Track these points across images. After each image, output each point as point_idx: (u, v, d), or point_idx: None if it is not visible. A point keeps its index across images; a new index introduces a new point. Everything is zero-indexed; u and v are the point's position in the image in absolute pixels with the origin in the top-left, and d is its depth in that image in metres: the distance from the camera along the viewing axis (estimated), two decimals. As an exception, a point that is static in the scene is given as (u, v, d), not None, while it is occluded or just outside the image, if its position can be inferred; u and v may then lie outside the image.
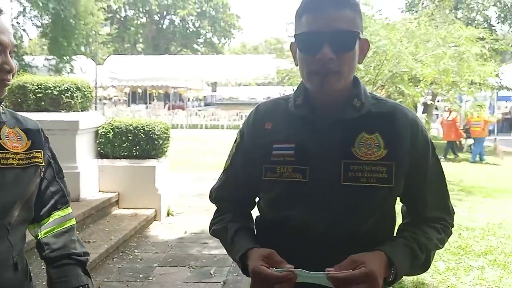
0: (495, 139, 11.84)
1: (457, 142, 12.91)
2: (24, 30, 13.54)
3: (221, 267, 4.03)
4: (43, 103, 4.88)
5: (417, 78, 6.53)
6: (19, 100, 4.90)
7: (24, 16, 13.39)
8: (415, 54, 6.21)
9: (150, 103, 26.20)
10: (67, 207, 1.34)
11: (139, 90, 26.91)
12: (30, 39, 14.29)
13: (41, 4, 13.02)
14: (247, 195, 1.26)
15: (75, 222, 1.37)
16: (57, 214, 1.31)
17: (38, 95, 4.87)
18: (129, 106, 24.51)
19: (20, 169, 1.18)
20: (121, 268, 4.04)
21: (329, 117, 1.12)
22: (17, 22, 13.36)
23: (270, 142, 1.15)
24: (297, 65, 1.17)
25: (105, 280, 3.79)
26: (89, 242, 4.30)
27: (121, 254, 4.37)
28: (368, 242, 1.09)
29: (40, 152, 1.26)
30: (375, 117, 1.13)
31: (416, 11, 12.13)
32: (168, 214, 5.65)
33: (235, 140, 1.26)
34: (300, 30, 1.09)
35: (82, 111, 5.13)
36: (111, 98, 27.19)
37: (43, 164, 1.27)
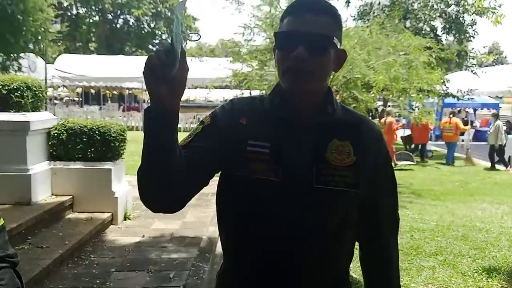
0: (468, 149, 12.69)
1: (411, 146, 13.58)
2: (-34, 25, 12.75)
3: (181, 271, 4.01)
4: (-9, 102, 4.66)
5: (370, 85, 6.78)
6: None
7: (-33, 10, 12.63)
8: (368, 61, 6.44)
9: (104, 104, 25.44)
10: None
11: (92, 91, 26.08)
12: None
13: (-14, -2, 12.31)
14: (192, 177, 1.11)
15: (4, 222, 1.34)
16: None
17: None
18: (81, 107, 23.70)
19: None
20: (76, 274, 3.93)
21: (304, 121, 1.17)
22: (-41, 17, 12.59)
23: (245, 138, 1.16)
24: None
25: (60, 286, 3.68)
26: (41, 247, 4.15)
27: (76, 259, 4.24)
28: (333, 240, 1.17)
29: None
30: (345, 126, 1.20)
31: (368, 20, 12.57)
32: (125, 218, 5.54)
33: (202, 122, 1.22)
34: (282, 29, 1.16)
35: (33, 111, 4.93)
36: (62, 99, 26.17)
37: None
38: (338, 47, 1.17)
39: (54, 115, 5.67)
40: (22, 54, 15.05)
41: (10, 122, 4.57)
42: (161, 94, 0.96)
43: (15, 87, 4.76)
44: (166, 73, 0.93)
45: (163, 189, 1.07)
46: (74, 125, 5.09)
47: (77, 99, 25.68)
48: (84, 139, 5.08)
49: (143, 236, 4.99)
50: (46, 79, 16.27)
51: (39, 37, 16.87)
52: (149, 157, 1.04)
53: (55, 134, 5.07)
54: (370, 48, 6.53)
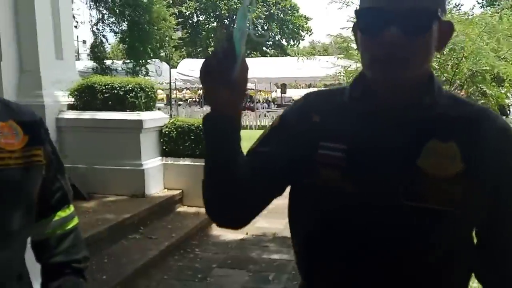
0: None
1: None
2: (103, 36, 14.32)
3: (281, 273, 3.89)
4: (110, 102, 5.08)
5: (501, 77, 5.98)
6: (88, 99, 5.13)
7: (103, 23, 14.19)
8: (498, 50, 5.67)
9: (221, 104, 26.65)
10: (68, 207, 1.22)
11: (211, 92, 27.52)
12: (109, 44, 15.08)
13: (118, 11, 13.71)
14: (257, 189, 0.96)
15: (77, 222, 1.25)
16: (58, 215, 1.19)
17: (105, 95, 5.07)
18: (202, 107, 25.23)
19: (19, 170, 1.02)
20: (180, 266, 4.06)
21: (392, 116, 0.90)
22: (96, 29, 14.19)
23: (316, 138, 0.94)
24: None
25: (165, 277, 3.82)
26: (151, 238, 4.37)
27: (182, 252, 4.39)
28: (429, 273, 0.88)
29: (40, 149, 1.08)
30: (452, 122, 0.90)
31: (499, 5, 11.15)
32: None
33: (271, 124, 1.05)
34: (363, 6, 0.90)
35: (146, 110, 5.26)
36: (187, 100, 28.14)
37: (44, 162, 1.09)
38: (443, 19, 0.89)
39: (177, 114, 6.03)
40: (149, 60, 16.53)
41: (126, 121, 4.93)
42: (221, 101, 0.85)
43: (130, 88, 5.13)
44: (225, 76, 0.82)
45: (224, 203, 0.95)
46: (183, 123, 5.31)
47: (197, 100, 27.33)
48: (192, 137, 5.27)
49: (246, 233, 4.99)
50: (170, 82, 17.60)
51: (164, 44, 18.40)
52: (209, 167, 0.92)
53: (166, 132, 5.34)
54: (500, 35, 5.73)
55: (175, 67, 22.54)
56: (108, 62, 16.13)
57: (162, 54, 18.18)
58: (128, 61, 15.87)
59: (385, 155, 0.88)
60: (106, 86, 5.11)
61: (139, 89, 5.16)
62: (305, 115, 0.99)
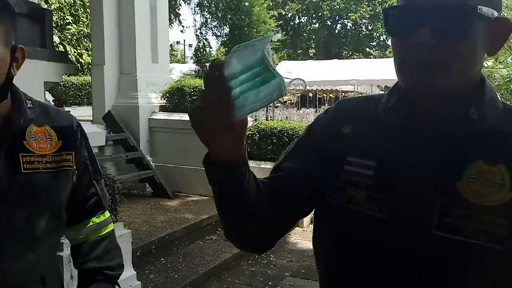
0: None
1: None
2: (206, 39, 15.06)
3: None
4: (198, 104, 5.24)
5: None
6: (177, 101, 5.35)
7: (206, 27, 14.90)
8: None
9: (320, 107, 26.47)
10: (103, 213, 1.23)
11: (310, 94, 27.46)
12: (211, 48, 15.81)
13: (220, 15, 14.30)
14: (280, 210, 0.85)
15: (112, 228, 1.26)
16: (92, 221, 1.20)
17: (193, 97, 5.24)
18: (298, 109, 25.25)
19: (48, 174, 1.05)
20: (253, 272, 4.03)
21: (430, 131, 0.77)
22: (200, 33, 14.94)
23: (344, 151, 0.83)
24: None
25: (236, 281, 3.82)
26: (226, 240, 4.40)
27: (256, 257, 4.36)
28: None
29: (71, 154, 1.10)
30: (503, 140, 0.75)
31: None
32: (311, 222, 5.47)
33: (299, 136, 0.95)
34: (393, 6, 0.79)
35: (232, 113, 5.35)
36: (285, 102, 28.40)
37: (74, 168, 1.11)
38: (491, 16, 0.73)
39: (274, 117, 6.05)
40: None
41: (211, 123, 5.06)
42: (220, 148, 0.70)
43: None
44: (223, 123, 0.66)
45: (240, 234, 0.86)
46: (266, 126, 5.29)
47: (295, 102, 27.39)
48: (274, 140, 5.23)
49: (325, 243, 4.81)
50: (268, 84, 17.93)
51: (262, 46, 18.80)
52: (217, 205, 0.81)
53: (249, 135, 5.36)
54: None
55: (275, 69, 22.85)
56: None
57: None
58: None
59: (418, 176, 0.75)
60: (194, 89, 5.30)
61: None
62: (335, 125, 0.88)
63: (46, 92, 5.89)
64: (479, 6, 0.71)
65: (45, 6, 14.70)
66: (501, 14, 0.77)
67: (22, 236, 1.01)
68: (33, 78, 5.11)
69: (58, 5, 14.22)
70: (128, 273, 2.83)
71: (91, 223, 1.20)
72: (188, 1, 14.88)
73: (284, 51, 32.12)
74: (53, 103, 6.36)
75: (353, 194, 0.80)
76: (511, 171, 0.72)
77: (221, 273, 3.89)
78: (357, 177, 0.80)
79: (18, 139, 1.01)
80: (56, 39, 14.05)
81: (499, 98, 0.82)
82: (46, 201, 1.05)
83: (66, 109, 7.00)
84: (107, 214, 1.25)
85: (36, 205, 1.03)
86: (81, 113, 7.31)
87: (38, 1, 5.87)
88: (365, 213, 0.78)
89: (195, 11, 15.04)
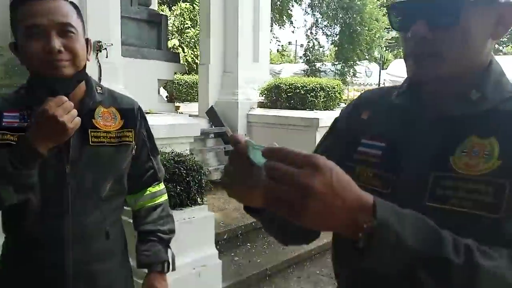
0: None
1: None
2: (316, 39, 15.15)
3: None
4: (292, 101, 5.40)
5: None
6: (274, 98, 5.58)
7: (316, 27, 14.98)
8: None
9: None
10: (158, 184, 1.41)
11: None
12: (321, 47, 15.84)
13: (331, 15, 14.25)
14: None
15: (166, 198, 1.43)
16: (149, 190, 1.39)
17: (288, 94, 5.41)
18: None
19: (112, 148, 1.23)
20: (336, 266, 4.07)
21: (434, 112, 0.84)
22: (310, 33, 15.07)
23: (360, 135, 0.93)
24: None
25: (317, 272, 3.91)
26: (312, 233, 4.51)
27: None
28: None
29: (131, 132, 1.28)
30: (499, 117, 0.79)
31: None
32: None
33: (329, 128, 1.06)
34: (394, 2, 0.87)
35: (325, 109, 5.39)
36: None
37: (134, 143, 1.29)
38: (488, 3, 0.78)
39: None
40: (358, 62, 16.65)
41: (304, 119, 5.17)
42: (248, 201, 0.82)
43: (311, 88, 5.35)
44: (248, 184, 0.75)
45: (281, 235, 0.97)
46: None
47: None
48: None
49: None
50: (379, 83, 17.36)
51: (373, 45, 18.18)
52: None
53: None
54: None
55: (386, 68, 22.01)
56: (318, 64, 16.95)
57: (375, 54, 18.02)
58: (336, 62, 16.37)
59: (418, 155, 0.82)
60: (290, 86, 5.47)
61: (319, 89, 5.33)
62: (356, 113, 0.98)
63: (160, 88, 6.60)
64: None
65: (169, 13, 16.16)
66: None
67: (90, 196, 1.22)
68: (148, 76, 5.79)
69: (179, 11, 15.51)
70: (211, 251, 3.08)
71: (148, 192, 1.40)
72: (300, 2, 15.11)
73: (398, 50, 30.66)
74: (165, 98, 7.04)
75: (362, 172, 0.88)
76: (502, 142, 0.75)
77: (304, 263, 4.01)
78: (367, 156, 0.88)
79: (88, 118, 1.21)
80: (175, 42, 15.39)
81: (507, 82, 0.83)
82: (109, 169, 1.25)
83: (178, 104, 7.70)
84: (162, 185, 1.44)
85: (101, 171, 1.23)
86: (191, 108, 7.96)
87: (160, 8, 6.56)
88: (371, 189, 0.84)
89: (306, 11, 15.20)
